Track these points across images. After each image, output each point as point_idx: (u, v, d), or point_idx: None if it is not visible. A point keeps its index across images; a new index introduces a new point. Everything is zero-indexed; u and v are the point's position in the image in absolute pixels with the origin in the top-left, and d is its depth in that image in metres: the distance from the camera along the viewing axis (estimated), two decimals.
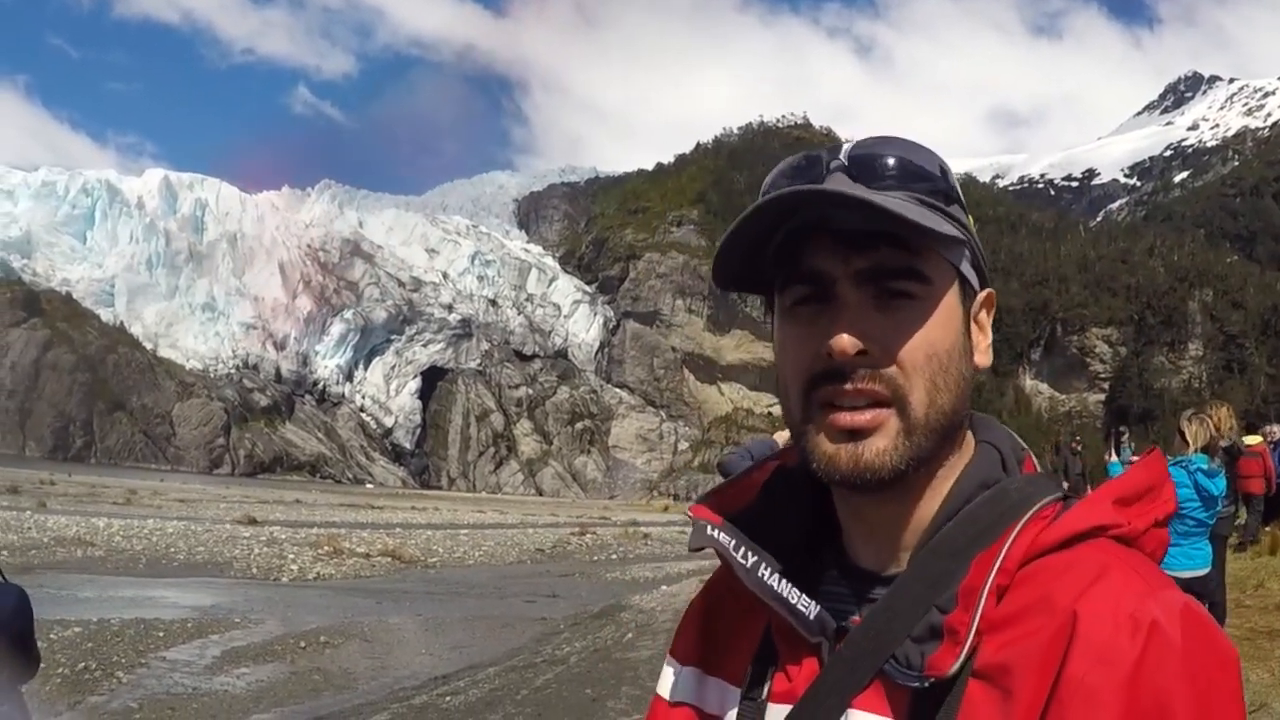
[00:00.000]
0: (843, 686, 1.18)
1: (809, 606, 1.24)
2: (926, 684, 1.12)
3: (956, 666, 1.11)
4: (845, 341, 1.20)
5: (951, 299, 1.24)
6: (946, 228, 1.21)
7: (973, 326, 1.29)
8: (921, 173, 1.25)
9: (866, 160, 1.25)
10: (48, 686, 12.24)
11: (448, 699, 12.71)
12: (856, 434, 1.21)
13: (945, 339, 1.23)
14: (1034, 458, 1.32)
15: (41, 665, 13.37)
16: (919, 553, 1.22)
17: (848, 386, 1.21)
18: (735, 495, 1.40)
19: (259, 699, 12.69)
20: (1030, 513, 1.18)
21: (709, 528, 1.34)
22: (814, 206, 1.22)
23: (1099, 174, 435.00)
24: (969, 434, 1.32)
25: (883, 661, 1.16)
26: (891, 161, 1.25)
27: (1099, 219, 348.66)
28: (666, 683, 1.46)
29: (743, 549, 1.30)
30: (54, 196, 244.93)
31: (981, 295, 1.31)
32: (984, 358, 1.29)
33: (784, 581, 1.26)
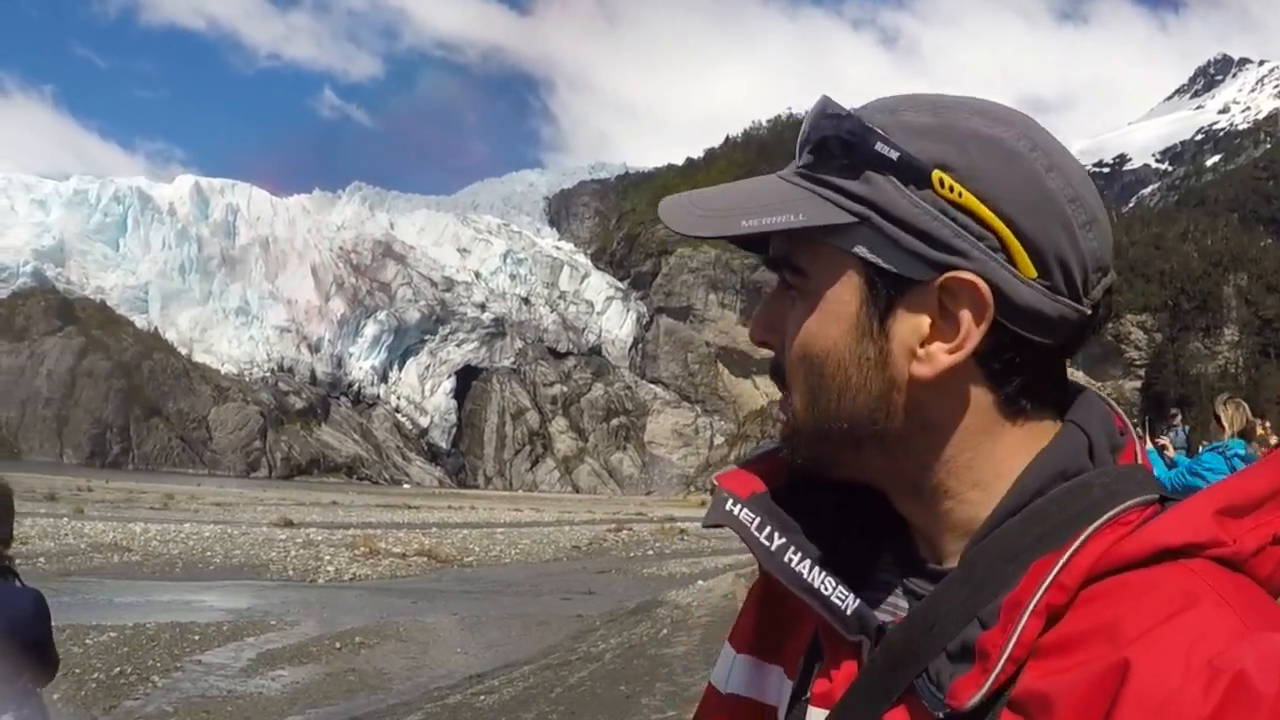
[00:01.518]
0: (875, 697, 1.03)
1: (845, 599, 1.07)
2: (943, 714, 0.96)
3: (978, 699, 0.94)
4: (751, 328, 1.18)
5: (840, 292, 1.07)
6: (778, 216, 1.05)
7: (900, 324, 1.06)
8: (811, 141, 1.08)
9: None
10: (83, 691, 12.31)
11: (482, 698, 12.67)
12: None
13: (822, 339, 1.07)
14: (1138, 445, 1.11)
15: (76, 671, 13.34)
16: (972, 548, 1.04)
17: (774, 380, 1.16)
18: (777, 467, 1.19)
19: (294, 700, 12.68)
20: (1110, 515, 0.98)
21: (730, 501, 1.16)
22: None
23: (1130, 159, 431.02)
24: (1045, 413, 1.10)
25: (915, 675, 1.00)
26: (801, 135, 1.10)
27: (1131, 205, 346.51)
28: (721, 671, 1.32)
29: (769, 528, 1.12)
30: (86, 205, 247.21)
31: (934, 284, 1.04)
32: (926, 365, 1.05)
33: (816, 569, 1.09)
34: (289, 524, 41.99)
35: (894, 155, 1.03)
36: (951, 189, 1.02)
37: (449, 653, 16.66)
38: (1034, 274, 1.02)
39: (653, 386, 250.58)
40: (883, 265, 1.04)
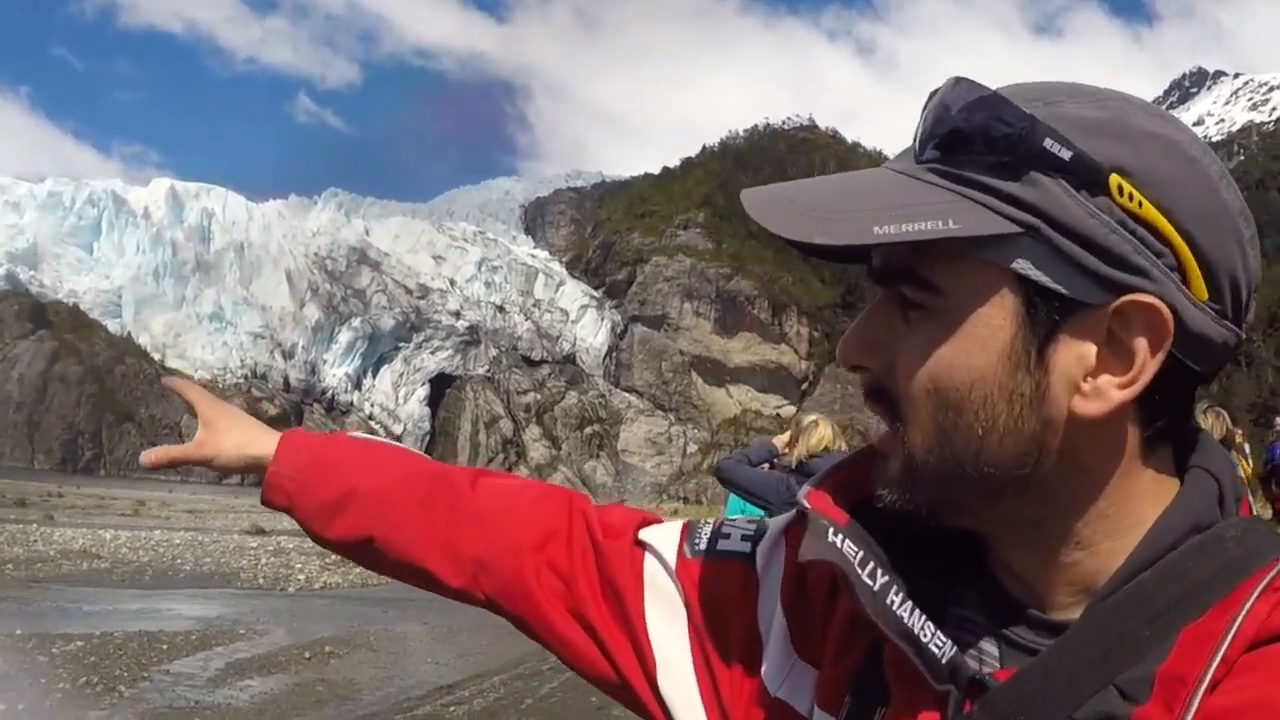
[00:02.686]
0: None
1: (943, 647, 0.96)
2: None
3: None
4: (842, 348, 1.03)
5: (990, 315, 0.92)
6: (922, 223, 0.90)
7: (1062, 354, 0.93)
8: (947, 131, 0.93)
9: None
10: (48, 703, 12.15)
11: (452, 709, 12.64)
12: (882, 455, 1.03)
13: (964, 370, 0.93)
14: (1250, 496, 1.00)
15: (42, 681, 13.26)
16: (1099, 603, 0.92)
17: (869, 405, 1.03)
18: (852, 486, 1.08)
19: (261, 711, 12.56)
20: (1267, 581, 0.88)
21: (831, 532, 1.02)
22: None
23: None
24: (1167, 452, 1.00)
25: None
26: (928, 123, 0.95)
27: None
28: (776, 671, 1.15)
29: (871, 564, 1.00)
30: (60, 207, 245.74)
31: (1107, 308, 0.91)
32: (1094, 401, 0.93)
33: (916, 612, 0.98)
34: (260, 531, 41.73)
35: (1066, 155, 0.89)
36: (1131, 197, 0.89)
37: (420, 663, 16.57)
38: (1205, 295, 0.92)
39: (626, 395, 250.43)
40: (1048, 284, 0.90)
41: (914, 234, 0.89)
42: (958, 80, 0.93)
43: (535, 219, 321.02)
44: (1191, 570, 0.89)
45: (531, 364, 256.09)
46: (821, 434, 7.77)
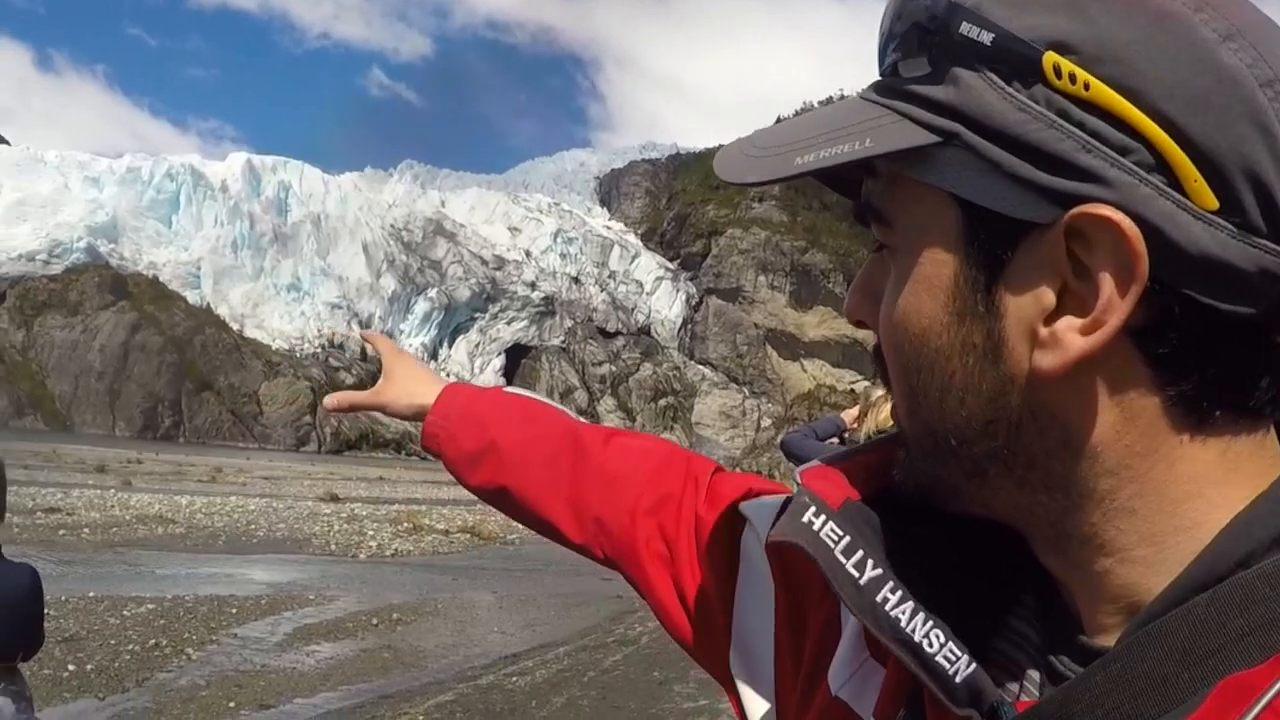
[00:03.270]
0: None
1: (955, 661, 0.76)
2: None
3: None
4: (846, 304, 0.88)
5: (933, 249, 0.75)
6: (839, 146, 0.76)
7: (1014, 292, 0.73)
8: (894, 37, 0.78)
9: None
10: (116, 663, 12.28)
11: (514, 679, 12.63)
12: None
13: (915, 318, 0.77)
14: None
15: (112, 642, 13.42)
16: (1135, 632, 0.70)
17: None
18: (876, 466, 0.90)
19: (326, 676, 12.63)
20: None
21: (812, 510, 0.84)
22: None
23: None
24: (1255, 430, 0.74)
25: None
26: (883, 27, 0.80)
27: None
28: (840, 670, 0.96)
29: (860, 552, 0.81)
30: (139, 182, 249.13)
31: (1056, 225, 0.70)
32: (1051, 352, 0.72)
33: (920, 615, 0.78)
34: (334, 498, 42.18)
35: (988, 38, 0.70)
36: (1073, 78, 0.68)
37: (486, 631, 16.59)
38: (1214, 204, 0.67)
39: (701, 368, 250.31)
40: (981, 203, 0.72)
41: (829, 160, 0.75)
42: None
43: (610, 191, 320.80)
44: (1264, 597, 0.66)
45: (606, 335, 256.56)
46: (890, 409, 7.61)
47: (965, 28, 0.70)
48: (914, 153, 0.73)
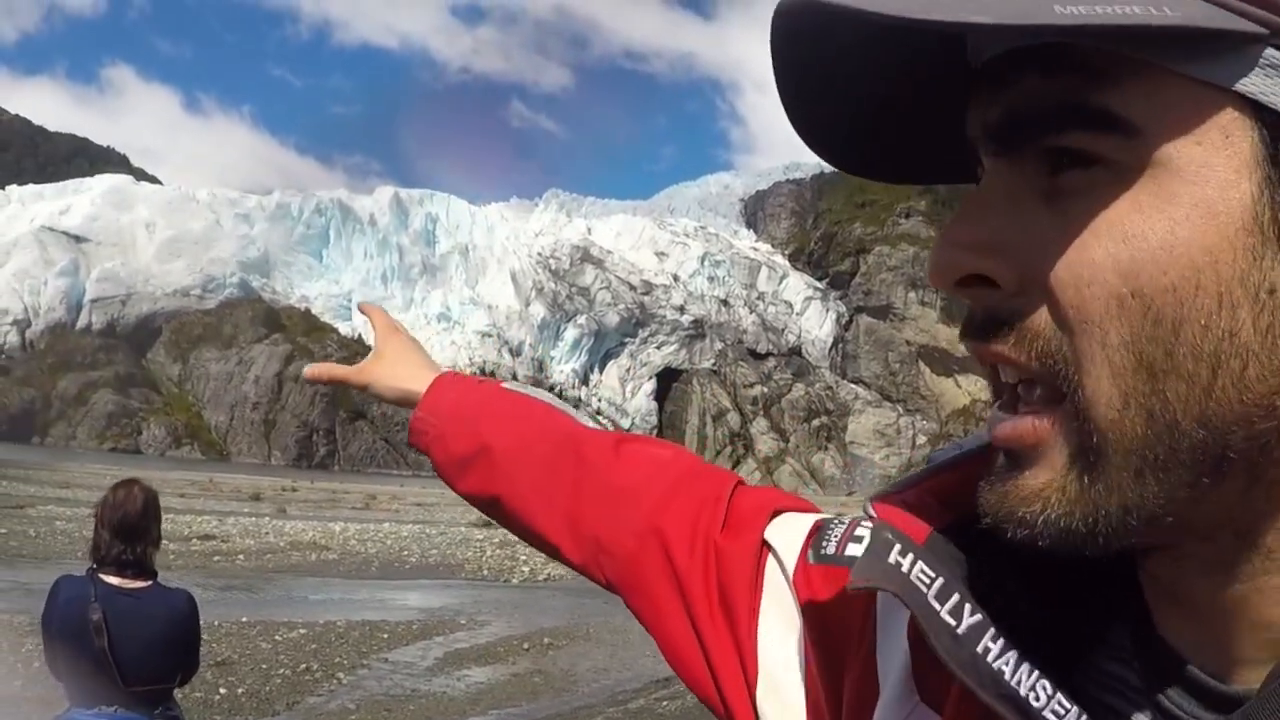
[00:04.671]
0: None
1: (1064, 715, 0.64)
2: None
3: None
4: (943, 259, 0.65)
5: (1214, 165, 0.58)
6: (1128, 6, 0.56)
7: None
8: None
9: None
10: (267, 687, 12.33)
11: (665, 703, 12.40)
12: (1012, 457, 0.66)
13: (1185, 254, 0.58)
14: None
15: (264, 666, 13.44)
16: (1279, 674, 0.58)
17: (985, 356, 0.67)
18: (954, 489, 0.79)
19: (476, 701, 12.53)
20: None
21: (897, 550, 0.73)
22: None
23: None
24: None
25: None
26: None
27: None
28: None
29: (956, 597, 0.70)
30: (288, 218, 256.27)
31: None
32: None
33: (1025, 666, 0.66)
34: (487, 524, 42.28)
35: None
36: None
37: (638, 655, 16.34)
38: None
39: (853, 386, 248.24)
40: None
41: (1111, 18, 0.55)
42: None
43: (755, 212, 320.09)
44: None
45: (757, 357, 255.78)
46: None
47: None
48: (1222, 42, 0.57)
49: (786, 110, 0.71)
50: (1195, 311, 0.57)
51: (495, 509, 1.42)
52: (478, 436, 1.43)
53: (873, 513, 0.79)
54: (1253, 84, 0.57)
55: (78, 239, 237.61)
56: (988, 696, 0.66)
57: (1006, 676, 0.66)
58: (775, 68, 0.68)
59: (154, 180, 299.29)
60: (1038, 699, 0.65)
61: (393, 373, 1.61)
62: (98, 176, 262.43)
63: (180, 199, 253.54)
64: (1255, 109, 0.57)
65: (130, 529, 4.95)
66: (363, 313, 1.83)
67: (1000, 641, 0.67)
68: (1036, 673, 0.66)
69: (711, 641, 1.09)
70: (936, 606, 0.70)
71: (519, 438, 1.41)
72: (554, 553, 1.35)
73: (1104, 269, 0.58)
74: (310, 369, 1.75)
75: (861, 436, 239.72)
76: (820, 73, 0.68)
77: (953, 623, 0.69)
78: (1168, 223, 0.57)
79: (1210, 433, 0.58)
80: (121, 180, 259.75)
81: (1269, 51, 0.57)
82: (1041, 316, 0.61)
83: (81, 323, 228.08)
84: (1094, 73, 0.59)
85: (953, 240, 0.64)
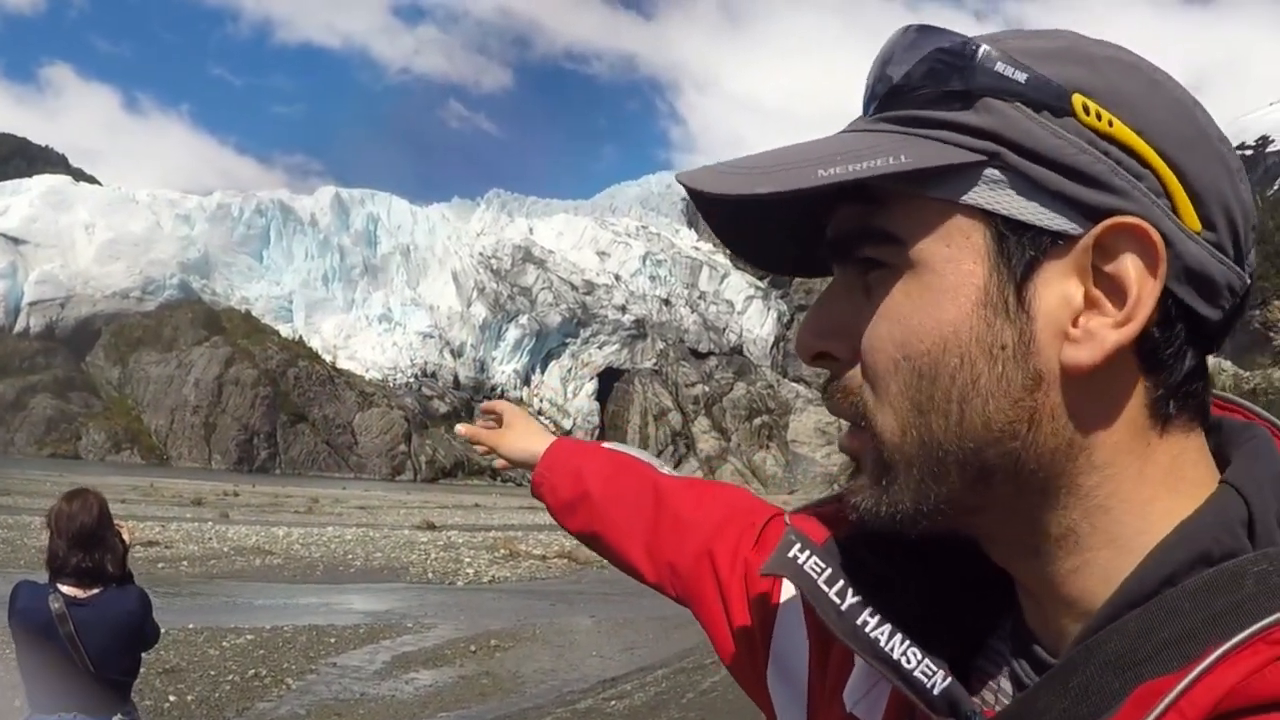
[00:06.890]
0: None
1: (932, 675, 0.83)
2: None
3: None
4: (800, 340, 0.88)
5: (957, 259, 0.79)
6: (871, 160, 0.78)
7: (1044, 295, 0.78)
8: (891, 78, 0.83)
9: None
10: (217, 693, 12.33)
11: (613, 703, 12.52)
12: (857, 464, 0.88)
13: (933, 327, 0.79)
14: None
15: (212, 673, 13.45)
16: (1077, 644, 0.76)
17: (830, 407, 0.88)
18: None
19: (425, 704, 12.59)
20: (1259, 627, 0.68)
21: (797, 547, 0.95)
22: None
23: (1273, 141, 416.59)
24: (1190, 428, 0.81)
25: None
26: (873, 74, 0.85)
27: (1275, 189, 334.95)
28: (856, 688, 1.02)
29: (840, 582, 0.90)
30: (229, 218, 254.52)
31: (1088, 237, 0.77)
32: (1085, 347, 0.77)
33: (898, 636, 0.85)
34: (431, 527, 42.38)
35: (1021, 77, 0.78)
36: (1099, 116, 0.77)
37: (584, 656, 16.49)
38: (1199, 227, 0.78)
39: (795, 385, 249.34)
40: (1018, 216, 0.77)
41: (861, 172, 0.77)
42: (906, 29, 0.83)
43: (697, 211, 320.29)
44: (1185, 611, 0.71)
45: (699, 356, 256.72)
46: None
47: (1000, 66, 0.77)
48: (950, 171, 0.77)
49: (719, 238, 0.96)
50: (945, 368, 0.77)
51: (595, 542, 1.72)
52: (581, 484, 1.73)
53: (789, 523, 1.00)
54: (978, 196, 0.77)
55: (16, 241, 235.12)
56: (867, 657, 0.85)
57: (882, 643, 0.84)
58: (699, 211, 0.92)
59: (93, 181, 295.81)
60: (908, 662, 0.83)
61: (522, 439, 1.95)
62: (36, 177, 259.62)
63: (120, 200, 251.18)
64: (985, 213, 0.77)
65: (88, 537, 5.09)
66: (486, 411, 2.12)
67: (877, 617, 0.86)
68: (909, 642, 0.84)
69: (741, 636, 1.33)
70: (825, 589, 0.89)
71: (613, 486, 1.70)
72: (639, 576, 1.63)
73: (887, 342, 0.79)
74: (462, 428, 2.08)
75: (803, 435, 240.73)
76: (733, 212, 0.93)
77: (837, 601, 0.88)
78: (925, 305, 0.78)
79: (967, 452, 0.78)
80: (60, 181, 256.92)
81: (988, 171, 0.77)
82: (856, 376, 0.83)
83: (20, 326, 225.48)
84: (877, 203, 0.80)
85: (807, 327, 0.86)
